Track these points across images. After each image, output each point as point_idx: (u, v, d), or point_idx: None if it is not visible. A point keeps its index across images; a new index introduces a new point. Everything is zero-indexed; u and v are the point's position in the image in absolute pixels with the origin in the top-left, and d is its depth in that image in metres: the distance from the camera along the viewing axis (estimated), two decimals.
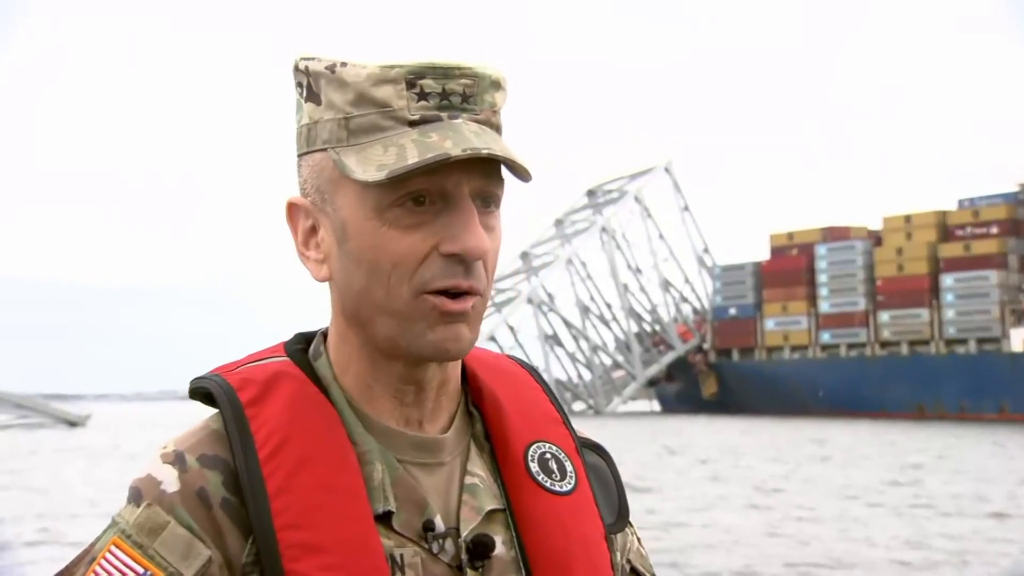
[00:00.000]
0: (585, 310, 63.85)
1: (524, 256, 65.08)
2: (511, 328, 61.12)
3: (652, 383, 66.43)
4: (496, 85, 0.96)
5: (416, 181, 0.92)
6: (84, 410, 57.35)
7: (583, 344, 63.52)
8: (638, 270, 65.31)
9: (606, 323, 64.80)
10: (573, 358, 63.66)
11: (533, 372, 1.11)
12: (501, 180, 0.96)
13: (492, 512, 0.99)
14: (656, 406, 68.91)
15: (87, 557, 0.94)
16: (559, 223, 67.54)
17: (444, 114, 0.93)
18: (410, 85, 0.93)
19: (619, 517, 1.06)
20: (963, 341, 53.75)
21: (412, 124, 0.93)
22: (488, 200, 0.96)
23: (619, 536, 1.07)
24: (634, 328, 64.73)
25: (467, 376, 1.04)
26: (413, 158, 0.90)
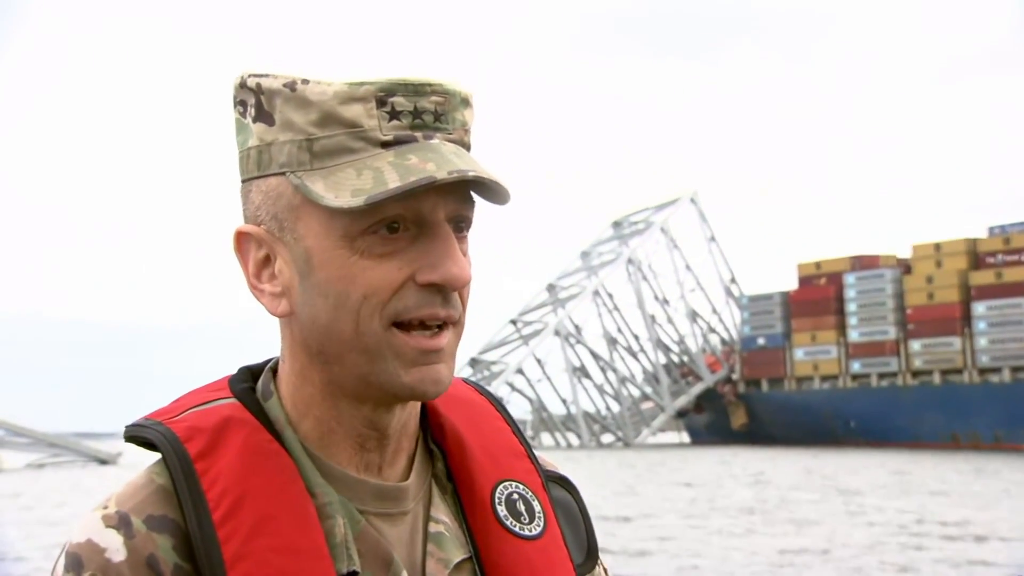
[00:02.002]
0: (612, 342, 63.67)
1: (551, 288, 65.06)
2: (538, 360, 61.00)
3: (681, 414, 66.01)
4: (465, 102, 0.91)
5: (391, 206, 0.85)
6: (115, 448, 57.71)
7: (611, 376, 63.26)
8: (665, 301, 65.12)
9: (634, 354, 64.55)
10: (601, 390, 63.38)
11: (492, 399, 1.05)
12: (473, 203, 0.90)
13: (460, 563, 0.93)
14: (685, 437, 68.44)
15: None
16: (585, 255, 67.54)
17: (418, 134, 0.87)
18: (380, 103, 0.87)
19: (588, 555, 1.02)
20: (997, 370, 53.12)
21: (385, 145, 0.86)
22: (461, 224, 0.90)
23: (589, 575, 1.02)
24: (662, 359, 64.46)
25: (425, 411, 0.98)
26: (394, 182, 0.84)
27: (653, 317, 64.65)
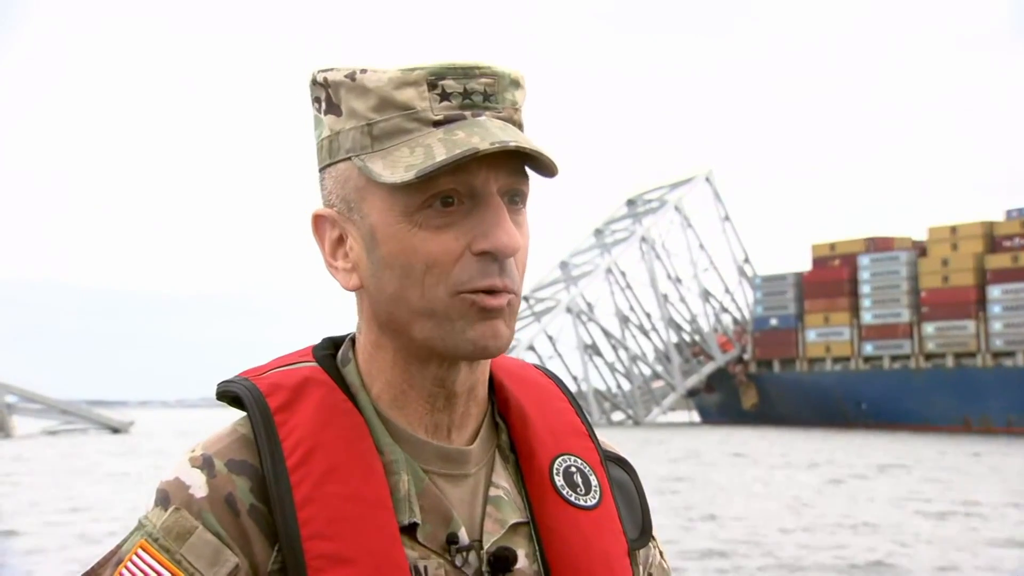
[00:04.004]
0: (624, 320, 63.58)
1: (563, 265, 64.95)
2: (550, 337, 60.98)
3: (692, 394, 65.95)
4: (515, 83, 0.96)
5: (444, 181, 0.91)
6: (127, 416, 58.03)
7: (622, 354, 63.24)
8: (678, 280, 64.94)
9: (645, 333, 64.47)
10: (612, 368, 63.39)
11: (558, 382, 1.10)
12: (527, 177, 0.95)
13: (516, 525, 0.99)
14: (696, 417, 68.42)
15: (114, 558, 0.93)
16: (599, 232, 67.37)
17: (467, 112, 0.93)
18: (431, 86, 0.93)
19: (642, 532, 1.06)
20: (1010, 354, 52.83)
21: (436, 124, 0.93)
22: (515, 197, 0.95)
23: (642, 551, 1.07)
24: (674, 338, 64.35)
25: (494, 385, 1.04)
26: (441, 156, 0.90)
27: (666, 296, 64.51)
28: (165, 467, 0.97)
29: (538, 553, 0.99)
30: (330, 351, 1.02)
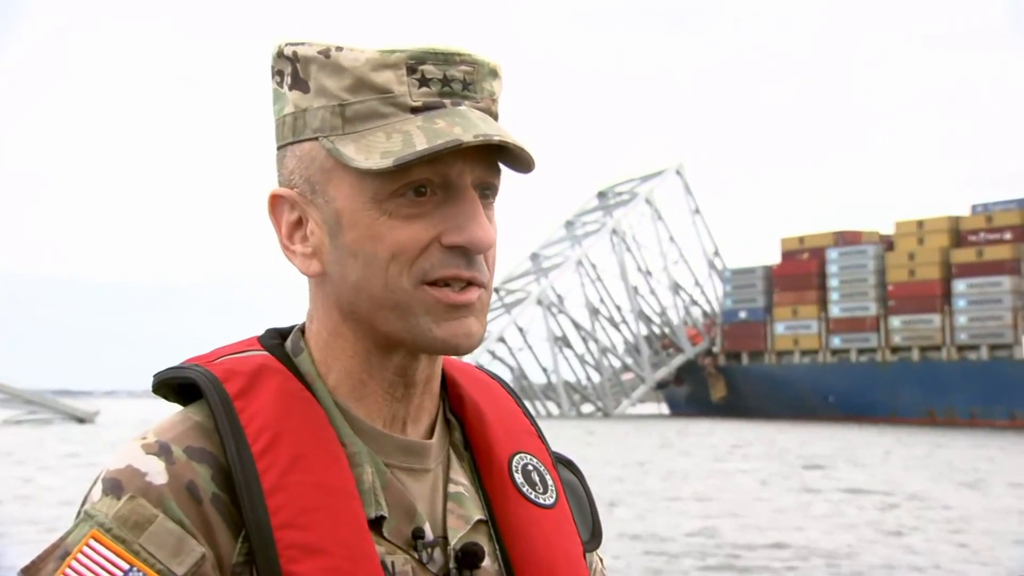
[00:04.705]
0: (595, 312, 63.70)
1: (534, 257, 64.97)
2: (520, 329, 61.01)
3: (661, 386, 66.21)
4: (493, 73, 0.93)
5: (419, 170, 0.88)
6: (93, 406, 57.45)
7: (592, 346, 63.37)
8: (648, 272, 65.13)
9: (615, 325, 64.64)
10: (582, 360, 63.51)
11: (503, 383, 1.08)
12: (500, 171, 0.93)
13: (476, 523, 0.96)
14: (665, 409, 68.70)
15: (57, 552, 0.85)
16: (569, 224, 67.41)
17: (447, 101, 0.90)
18: (411, 71, 0.89)
19: (593, 535, 1.04)
20: (975, 347, 53.46)
21: (415, 111, 0.89)
22: (487, 191, 0.92)
23: (587, 556, 1.03)
24: (643, 331, 64.55)
25: (446, 382, 1.01)
26: (421, 144, 0.86)
27: (636, 288, 64.66)
28: (111, 455, 0.90)
29: (499, 552, 0.96)
30: (277, 341, 0.98)
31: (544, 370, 61.73)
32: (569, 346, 63.04)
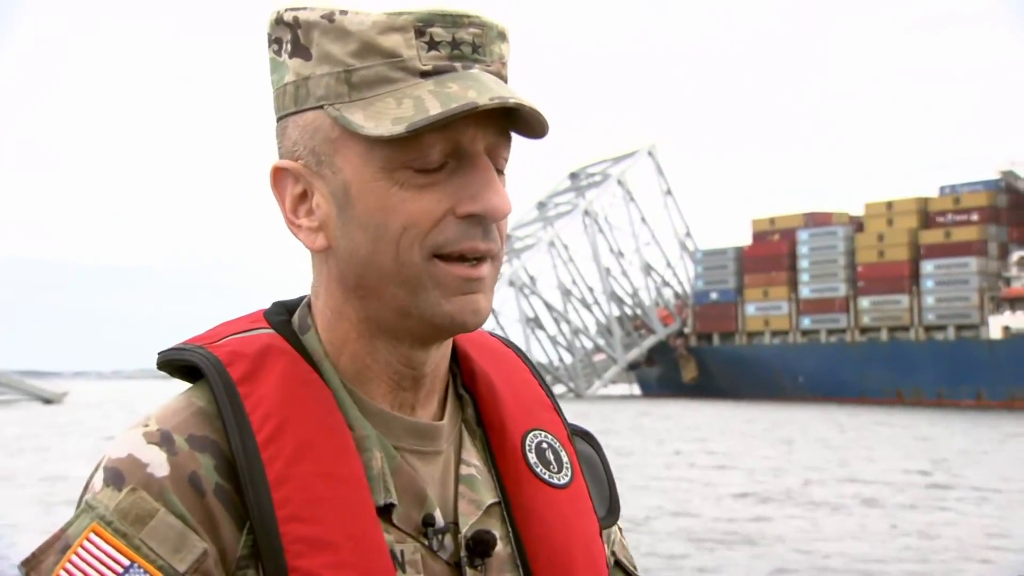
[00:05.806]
0: (567, 293, 63.81)
1: (506, 238, 64.87)
2: (492, 311, 60.89)
3: (633, 367, 66.57)
4: (502, 36, 0.89)
5: (431, 137, 0.84)
6: (61, 387, 56.93)
7: (564, 327, 63.50)
8: (620, 254, 65.30)
9: (587, 306, 64.80)
10: (554, 341, 63.64)
11: (519, 352, 1.04)
12: (510, 139, 0.89)
13: (489, 506, 0.93)
14: (636, 390, 69.09)
15: (58, 544, 0.82)
16: (542, 206, 67.41)
17: (457, 64, 0.85)
18: (419, 33, 0.85)
19: (610, 511, 1.01)
20: (942, 328, 54.07)
21: (424, 75, 0.85)
22: (498, 159, 0.88)
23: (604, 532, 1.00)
24: (615, 312, 64.79)
25: (457, 356, 0.97)
26: (435, 109, 0.82)
27: (608, 269, 64.84)
28: (112, 442, 0.86)
29: (512, 535, 0.93)
30: (284, 317, 0.93)
31: None
32: (541, 327, 63.13)
